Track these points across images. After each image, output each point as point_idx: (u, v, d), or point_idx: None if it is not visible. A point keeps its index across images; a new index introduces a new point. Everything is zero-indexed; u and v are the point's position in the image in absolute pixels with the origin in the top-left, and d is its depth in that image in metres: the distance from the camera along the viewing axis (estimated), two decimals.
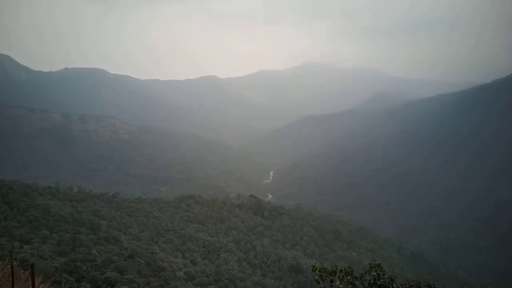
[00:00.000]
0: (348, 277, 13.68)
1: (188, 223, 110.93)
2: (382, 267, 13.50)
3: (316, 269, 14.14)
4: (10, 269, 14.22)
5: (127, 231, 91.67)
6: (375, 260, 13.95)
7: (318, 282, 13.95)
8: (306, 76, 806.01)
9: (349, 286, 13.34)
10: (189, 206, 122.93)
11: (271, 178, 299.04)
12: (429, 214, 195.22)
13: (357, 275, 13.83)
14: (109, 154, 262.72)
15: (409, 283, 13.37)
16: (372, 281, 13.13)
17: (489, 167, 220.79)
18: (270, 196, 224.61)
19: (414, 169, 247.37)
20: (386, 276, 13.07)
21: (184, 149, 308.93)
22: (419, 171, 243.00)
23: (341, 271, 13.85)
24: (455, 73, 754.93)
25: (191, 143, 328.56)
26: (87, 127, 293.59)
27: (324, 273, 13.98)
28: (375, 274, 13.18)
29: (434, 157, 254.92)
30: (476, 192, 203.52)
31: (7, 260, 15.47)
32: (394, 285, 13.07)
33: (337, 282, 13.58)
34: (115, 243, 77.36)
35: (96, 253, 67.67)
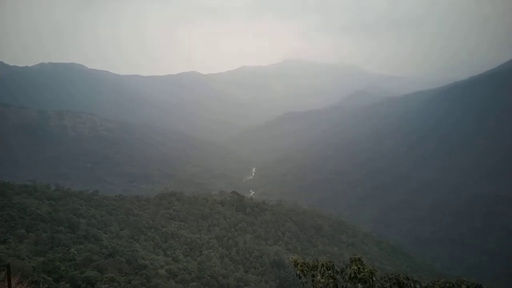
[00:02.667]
0: (329, 272, 13.88)
1: (170, 220, 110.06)
2: (362, 261, 13.75)
3: (298, 264, 14.30)
4: None
5: (107, 229, 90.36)
6: (356, 254, 14.21)
7: (300, 277, 14.11)
8: (288, 72, 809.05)
9: (330, 280, 13.53)
10: (171, 203, 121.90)
11: (253, 174, 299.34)
12: (406, 208, 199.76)
13: (338, 269, 14.05)
14: (88, 151, 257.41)
15: (388, 276, 13.68)
16: (352, 275, 13.36)
17: (466, 162, 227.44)
18: (252, 193, 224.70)
19: (393, 164, 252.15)
20: (366, 270, 13.32)
21: (165, 145, 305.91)
22: (398, 167, 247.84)
23: (322, 265, 14.04)
24: (435, 70, 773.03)
25: (172, 140, 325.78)
26: (64, 124, 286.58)
27: (306, 268, 14.14)
28: (356, 268, 13.41)
29: (413, 153, 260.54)
30: (451, 186, 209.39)
31: None
32: (374, 278, 13.34)
33: (319, 277, 13.77)
34: (95, 242, 76.09)
35: (75, 252, 66.41)
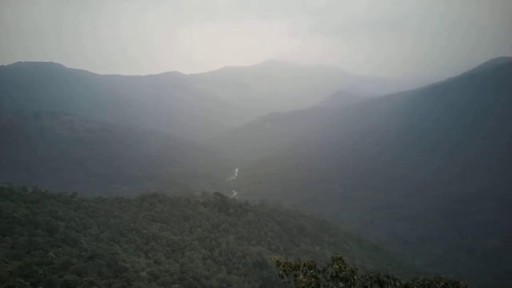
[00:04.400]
0: (311, 271, 13.98)
1: (151, 222, 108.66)
2: (343, 260, 13.91)
3: (280, 264, 14.35)
4: None
5: (87, 232, 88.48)
6: (337, 253, 14.36)
7: (282, 277, 14.16)
8: (270, 73, 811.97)
9: (312, 280, 13.62)
10: (152, 205, 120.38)
11: (236, 174, 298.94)
12: (387, 207, 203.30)
13: (320, 269, 14.17)
14: (67, 153, 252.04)
15: (369, 275, 13.86)
16: (334, 274, 13.49)
17: (442, 161, 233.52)
18: (235, 193, 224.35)
19: (374, 164, 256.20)
20: (347, 269, 13.47)
21: (146, 146, 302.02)
22: (379, 166, 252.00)
23: (304, 265, 14.13)
24: (413, 71, 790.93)
25: (154, 140, 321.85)
26: (42, 125, 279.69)
27: (288, 268, 14.21)
28: (337, 267, 13.55)
29: (394, 152, 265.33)
30: (432, 186, 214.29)
31: None
32: (355, 277, 13.50)
33: (301, 276, 13.85)
34: (74, 245, 74.45)
35: (54, 255, 64.87)
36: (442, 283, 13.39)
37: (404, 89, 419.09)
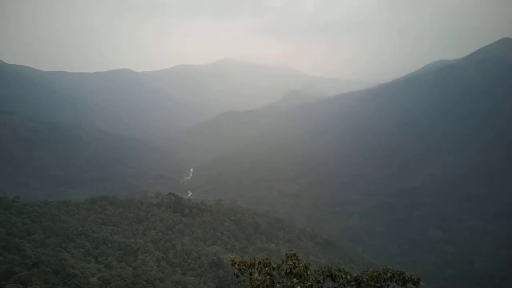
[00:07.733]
0: (266, 268, 14.14)
1: (102, 225, 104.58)
2: (297, 256, 14.20)
3: (235, 263, 14.37)
4: None
5: (31, 238, 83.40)
6: (291, 250, 14.64)
7: (237, 276, 14.19)
8: (225, 72, 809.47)
9: (267, 277, 13.78)
10: (103, 208, 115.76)
11: (191, 174, 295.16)
12: (337, 203, 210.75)
13: (275, 266, 14.37)
14: (7, 154, 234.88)
15: (322, 269, 14.27)
16: (288, 270, 13.74)
17: (388, 158, 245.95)
18: (191, 193, 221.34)
19: (324, 162, 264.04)
20: (301, 265, 13.77)
21: (96, 147, 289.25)
22: (329, 164, 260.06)
23: (259, 263, 14.25)
24: (362, 72, 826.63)
25: (103, 141, 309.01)
26: None
27: (243, 267, 14.26)
28: (291, 263, 13.81)
29: (342, 150, 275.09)
30: (375, 181, 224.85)
31: None
32: (308, 272, 13.84)
33: (256, 274, 13.96)
34: (17, 252, 69.93)
35: None
36: (389, 274, 14.07)
37: (351, 89, 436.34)
